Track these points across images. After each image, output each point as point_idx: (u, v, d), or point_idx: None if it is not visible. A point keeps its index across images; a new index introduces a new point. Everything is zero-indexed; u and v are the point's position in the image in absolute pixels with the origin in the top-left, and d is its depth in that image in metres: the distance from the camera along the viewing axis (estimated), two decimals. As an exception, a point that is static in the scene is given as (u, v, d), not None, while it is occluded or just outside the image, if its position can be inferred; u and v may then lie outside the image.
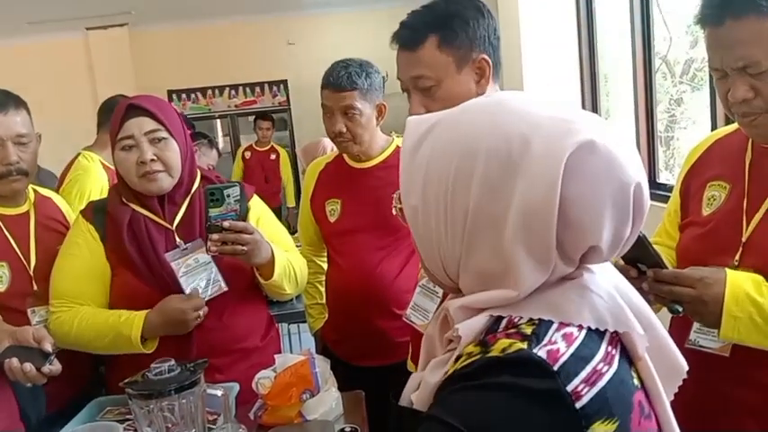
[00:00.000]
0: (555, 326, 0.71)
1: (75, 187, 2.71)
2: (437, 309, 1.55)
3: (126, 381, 1.40)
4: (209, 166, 3.36)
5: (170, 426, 1.38)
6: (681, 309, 1.19)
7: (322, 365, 1.61)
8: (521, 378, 0.67)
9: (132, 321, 1.67)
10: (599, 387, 0.69)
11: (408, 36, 1.43)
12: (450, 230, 0.75)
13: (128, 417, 1.56)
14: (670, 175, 4.10)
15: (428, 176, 0.76)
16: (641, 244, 1.18)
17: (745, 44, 1.18)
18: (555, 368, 0.67)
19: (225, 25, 7.96)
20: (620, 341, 0.75)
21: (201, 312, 1.68)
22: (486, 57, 1.41)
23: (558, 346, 0.69)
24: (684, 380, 0.83)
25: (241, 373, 1.71)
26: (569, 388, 0.67)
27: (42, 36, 7.54)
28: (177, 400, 1.36)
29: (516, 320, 0.73)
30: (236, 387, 1.65)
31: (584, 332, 0.72)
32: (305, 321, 2.56)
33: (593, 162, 0.70)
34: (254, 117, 7.05)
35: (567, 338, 0.70)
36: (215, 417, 1.51)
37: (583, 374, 0.68)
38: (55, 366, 1.45)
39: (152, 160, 1.69)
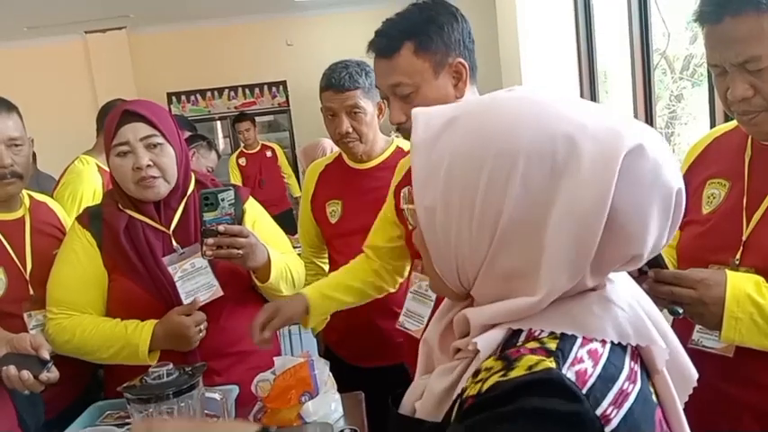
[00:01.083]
0: (579, 341, 0.68)
1: (68, 191, 2.71)
2: (431, 314, 1.54)
3: (124, 385, 1.39)
4: (209, 168, 3.33)
5: (169, 430, 1.37)
6: (681, 310, 1.18)
7: (321, 368, 1.61)
8: (550, 402, 0.63)
9: (140, 333, 1.67)
10: (626, 408, 0.66)
11: (384, 44, 1.44)
12: (477, 234, 0.70)
13: (127, 421, 1.55)
14: (671, 172, 4.09)
15: (451, 177, 0.71)
16: None
17: (744, 41, 1.17)
18: (584, 391, 0.64)
19: (223, 27, 7.96)
20: (639, 354, 0.73)
21: (203, 326, 1.69)
22: (462, 60, 1.43)
23: (585, 366, 0.66)
24: None
25: (240, 375, 1.71)
26: (598, 412, 0.64)
27: (41, 40, 7.56)
28: (176, 403, 1.36)
29: (537, 334, 0.70)
30: (235, 390, 1.64)
31: (607, 347, 0.69)
32: (306, 322, 2.55)
33: (642, 167, 0.68)
34: (231, 122, 6.79)
35: (593, 356, 0.67)
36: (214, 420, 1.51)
37: (610, 396, 0.66)
38: (53, 374, 1.44)
39: (148, 166, 1.68)
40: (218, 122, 8.35)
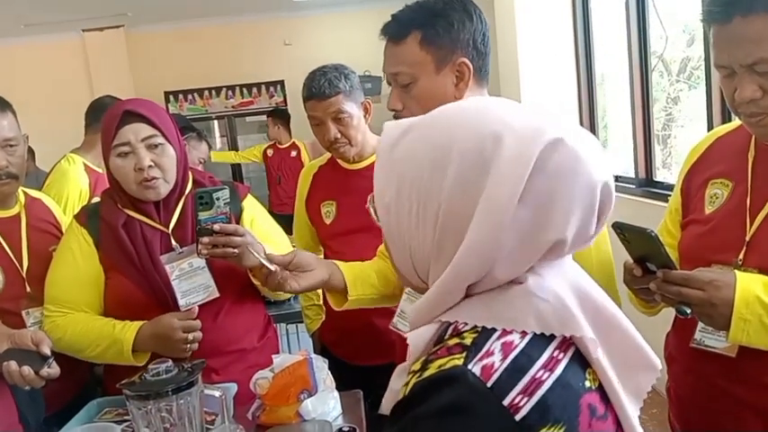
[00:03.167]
0: (497, 334, 0.72)
1: (53, 191, 2.64)
2: None
3: (123, 382, 1.39)
4: (200, 159, 3.24)
5: (168, 426, 1.37)
6: (689, 311, 1.18)
7: (320, 365, 1.61)
8: (454, 396, 0.67)
9: (126, 332, 1.66)
10: (539, 395, 0.69)
11: (394, 29, 1.44)
12: (422, 229, 0.76)
13: (126, 417, 1.55)
14: (668, 174, 4.10)
15: (402, 175, 0.77)
16: (652, 243, 1.17)
17: (754, 42, 1.16)
18: (489, 384, 0.68)
19: (221, 26, 7.95)
20: (573, 344, 0.75)
21: (192, 336, 1.64)
22: (466, 60, 1.41)
23: (492, 360, 0.69)
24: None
25: (239, 373, 1.71)
26: (506, 402, 0.67)
27: (39, 37, 7.53)
28: (175, 400, 1.36)
29: (461, 327, 0.74)
30: (233, 387, 1.64)
31: (527, 339, 0.72)
32: (303, 321, 2.56)
33: (561, 159, 0.72)
34: (266, 116, 6.81)
35: (506, 348, 0.71)
36: (213, 417, 1.50)
37: (520, 386, 0.68)
38: (53, 369, 1.44)
39: (150, 167, 1.68)
40: (216, 121, 8.34)
